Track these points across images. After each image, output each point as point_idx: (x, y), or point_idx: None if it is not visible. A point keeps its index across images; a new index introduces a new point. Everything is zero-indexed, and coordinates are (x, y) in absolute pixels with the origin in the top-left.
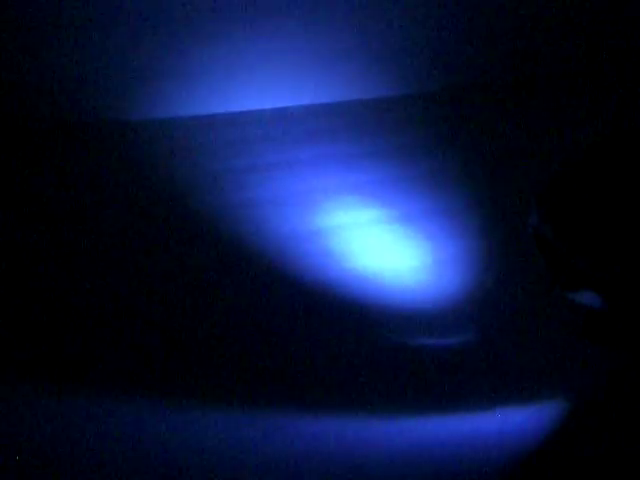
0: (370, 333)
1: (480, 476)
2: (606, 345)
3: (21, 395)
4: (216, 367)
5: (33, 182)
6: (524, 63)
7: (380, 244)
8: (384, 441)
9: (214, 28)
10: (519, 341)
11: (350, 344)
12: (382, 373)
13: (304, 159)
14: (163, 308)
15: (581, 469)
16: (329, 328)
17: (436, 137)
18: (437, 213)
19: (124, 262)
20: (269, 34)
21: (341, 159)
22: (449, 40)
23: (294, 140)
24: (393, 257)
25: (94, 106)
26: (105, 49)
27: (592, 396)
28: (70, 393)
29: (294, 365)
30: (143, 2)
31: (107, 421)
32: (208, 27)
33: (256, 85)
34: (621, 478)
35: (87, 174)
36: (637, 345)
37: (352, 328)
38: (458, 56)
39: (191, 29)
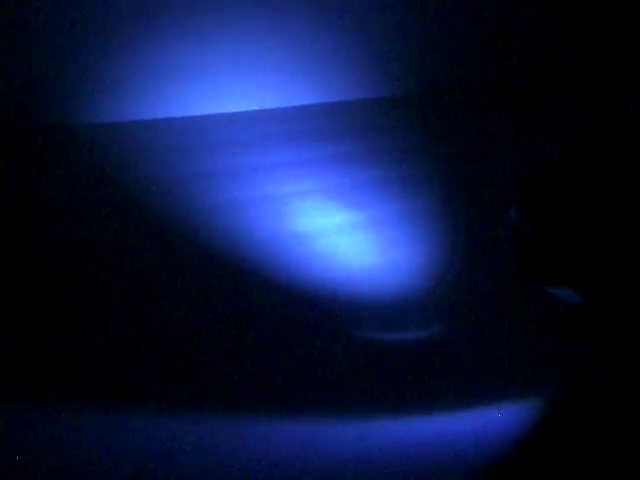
0: (343, 332)
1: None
2: (585, 342)
3: (12, 403)
4: (195, 371)
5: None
6: (509, 65)
7: (355, 246)
8: (352, 443)
9: (204, 27)
10: (495, 339)
11: (323, 344)
12: (355, 373)
13: (280, 162)
14: (142, 313)
15: (558, 470)
16: (301, 329)
17: (415, 139)
18: (413, 214)
19: (108, 265)
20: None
21: (318, 161)
22: (431, 42)
23: (270, 143)
24: (366, 259)
25: (74, 107)
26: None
27: (570, 394)
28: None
29: (266, 366)
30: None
31: (96, 430)
32: (200, 26)
33: (227, 88)
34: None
35: (74, 175)
36: (616, 342)
37: (326, 328)
38: (439, 58)
39: (184, 27)
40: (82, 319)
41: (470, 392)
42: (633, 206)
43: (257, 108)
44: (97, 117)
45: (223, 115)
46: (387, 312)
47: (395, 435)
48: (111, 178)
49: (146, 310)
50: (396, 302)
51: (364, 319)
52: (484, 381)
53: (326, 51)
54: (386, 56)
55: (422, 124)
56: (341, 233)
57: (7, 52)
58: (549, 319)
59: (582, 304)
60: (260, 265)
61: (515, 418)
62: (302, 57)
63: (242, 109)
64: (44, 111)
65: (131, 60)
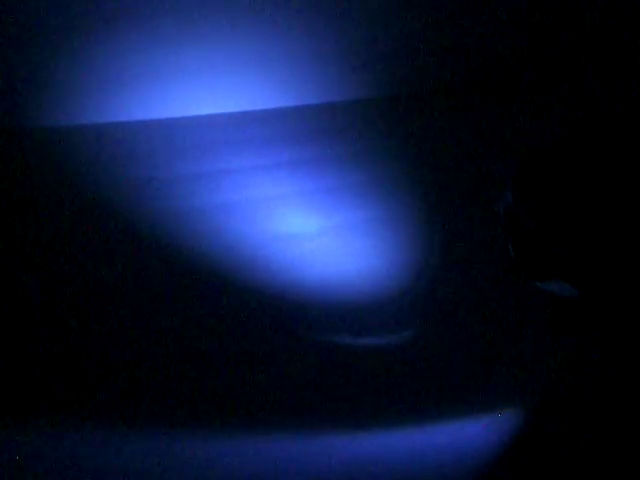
0: (319, 337)
1: None
2: (576, 336)
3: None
4: (183, 377)
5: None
6: (496, 66)
7: (340, 249)
8: (322, 457)
9: (204, 27)
10: (478, 343)
11: (299, 350)
12: (328, 379)
13: (278, 163)
14: (131, 315)
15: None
16: (276, 334)
17: (393, 142)
18: (402, 216)
19: (101, 266)
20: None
21: (315, 162)
22: (425, 42)
23: (269, 143)
24: (351, 261)
25: (74, 108)
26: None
27: (558, 401)
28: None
29: (242, 373)
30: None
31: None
32: (200, 26)
33: (226, 88)
34: None
35: (73, 176)
36: (612, 335)
37: (305, 333)
38: (435, 58)
39: (184, 27)
40: (73, 322)
41: (452, 400)
42: (633, 191)
43: (257, 108)
44: (97, 117)
45: (221, 115)
46: (365, 316)
47: (367, 447)
48: (109, 178)
49: (134, 312)
50: (375, 305)
51: (341, 323)
52: (466, 389)
53: (326, 51)
54: (386, 56)
55: (422, 124)
56: (329, 235)
57: (6, 52)
58: (534, 324)
59: (575, 296)
60: (246, 267)
61: (498, 428)
62: (302, 57)
63: (242, 109)
64: (42, 111)
65: (130, 60)
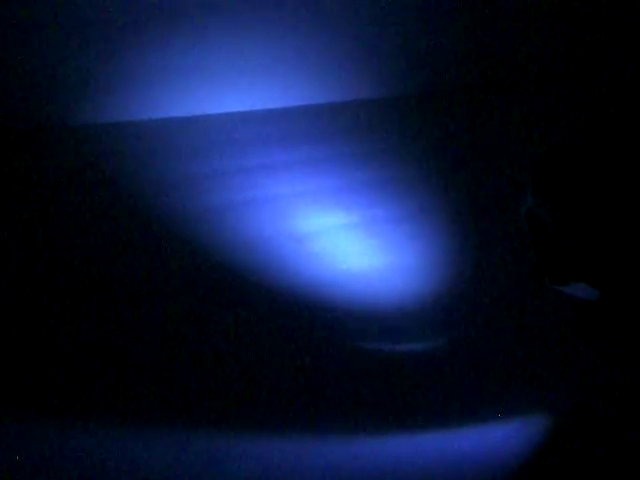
0: (340, 341)
1: None
2: (601, 341)
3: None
4: (189, 377)
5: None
6: (502, 64)
7: (354, 249)
8: (353, 460)
9: (205, 27)
10: (502, 349)
11: (321, 351)
12: (350, 385)
13: (279, 162)
14: (137, 315)
15: None
16: (299, 335)
17: (415, 140)
18: (416, 216)
19: (106, 266)
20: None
21: (317, 162)
22: (428, 42)
23: (269, 143)
24: (365, 262)
25: (74, 108)
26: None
27: (585, 407)
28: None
29: (260, 374)
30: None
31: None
32: (200, 26)
33: (227, 88)
34: None
35: (74, 176)
36: (634, 340)
37: (324, 334)
38: (438, 58)
39: (184, 27)
40: (78, 319)
41: (475, 407)
42: None
43: (257, 108)
44: (97, 117)
45: (223, 115)
46: (387, 320)
47: (394, 451)
48: (110, 178)
49: (140, 311)
50: (397, 309)
51: (363, 327)
52: (489, 395)
53: (326, 51)
54: (386, 56)
55: (421, 124)
56: (340, 234)
57: (6, 52)
58: (562, 319)
59: (598, 300)
60: (257, 266)
61: (522, 434)
62: (302, 57)
63: (242, 109)
64: (43, 112)
65: (131, 60)
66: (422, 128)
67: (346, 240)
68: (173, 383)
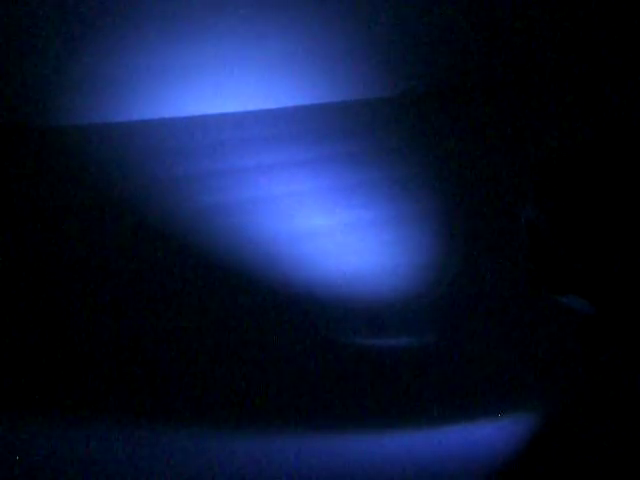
0: (335, 337)
1: None
2: (598, 351)
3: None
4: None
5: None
6: (501, 65)
7: (352, 248)
8: (342, 456)
9: (205, 28)
10: (493, 347)
11: (314, 349)
12: (343, 381)
13: (279, 162)
14: (136, 312)
15: None
16: (294, 332)
17: (416, 139)
18: (412, 216)
19: (106, 264)
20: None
21: (318, 161)
22: (430, 43)
23: (269, 143)
24: (363, 260)
25: (74, 108)
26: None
27: (573, 405)
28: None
29: (256, 371)
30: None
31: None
32: (200, 27)
33: (227, 88)
34: None
35: (74, 175)
36: (631, 351)
37: (317, 332)
38: (440, 58)
39: (184, 28)
40: (78, 318)
41: (466, 405)
42: None
43: (257, 108)
44: (97, 117)
45: (223, 115)
46: (381, 319)
47: (384, 449)
48: (111, 177)
49: (139, 309)
50: (390, 309)
51: (356, 326)
52: (480, 393)
53: (326, 51)
54: (386, 56)
55: (422, 124)
56: (338, 233)
57: (6, 53)
58: (549, 329)
59: (593, 313)
60: (257, 264)
61: (512, 432)
62: (302, 57)
63: (242, 109)
64: (43, 112)
65: (131, 60)
66: (422, 128)
67: (342, 241)
68: (172, 383)
